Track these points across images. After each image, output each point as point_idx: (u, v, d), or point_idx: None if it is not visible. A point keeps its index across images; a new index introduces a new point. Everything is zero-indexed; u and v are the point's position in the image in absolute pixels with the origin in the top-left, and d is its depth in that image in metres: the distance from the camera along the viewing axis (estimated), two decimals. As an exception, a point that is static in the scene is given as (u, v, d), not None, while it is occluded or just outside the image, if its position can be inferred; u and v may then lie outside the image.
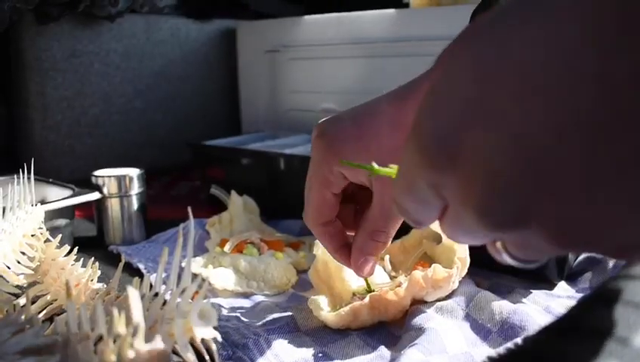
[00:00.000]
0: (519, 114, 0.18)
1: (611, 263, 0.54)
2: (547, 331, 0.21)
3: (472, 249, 0.49)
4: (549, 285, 0.53)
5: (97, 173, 0.68)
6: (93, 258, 0.48)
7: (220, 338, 0.44)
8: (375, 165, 0.33)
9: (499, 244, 0.23)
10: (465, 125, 0.20)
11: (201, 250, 0.65)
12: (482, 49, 0.19)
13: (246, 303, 0.52)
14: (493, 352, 0.42)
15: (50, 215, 0.61)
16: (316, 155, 0.40)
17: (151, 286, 0.38)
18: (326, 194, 0.41)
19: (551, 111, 0.17)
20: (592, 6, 0.17)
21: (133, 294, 0.30)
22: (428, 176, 0.22)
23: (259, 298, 0.53)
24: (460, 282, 0.49)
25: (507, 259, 0.23)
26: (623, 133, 0.16)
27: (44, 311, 0.45)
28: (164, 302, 0.33)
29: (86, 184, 0.68)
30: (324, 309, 0.47)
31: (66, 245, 0.49)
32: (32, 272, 0.47)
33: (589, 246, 0.19)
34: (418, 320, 0.44)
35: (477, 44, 0.20)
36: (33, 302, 0.44)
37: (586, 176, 0.17)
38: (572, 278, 0.55)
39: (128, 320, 0.31)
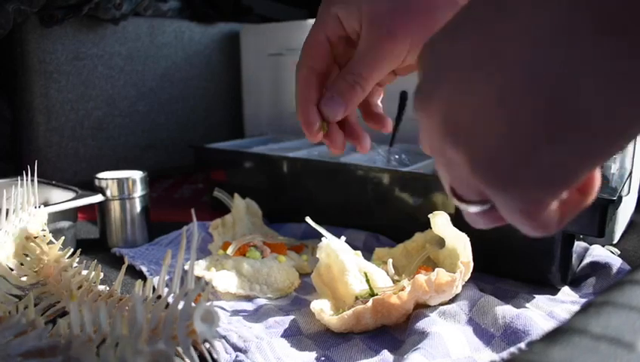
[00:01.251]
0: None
1: (615, 269, 0.54)
2: (551, 336, 0.21)
3: (475, 253, 0.49)
4: (553, 290, 0.53)
5: (100, 175, 0.68)
6: (95, 260, 0.48)
7: (222, 341, 0.44)
8: None
9: (448, 189, 0.27)
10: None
11: (203, 252, 0.65)
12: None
13: (248, 306, 0.52)
14: (496, 357, 0.42)
15: (53, 217, 0.61)
16: (322, 3, 0.44)
17: (154, 288, 0.38)
18: (319, 34, 0.44)
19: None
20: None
21: (136, 297, 0.30)
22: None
23: (261, 301, 0.53)
24: (463, 286, 0.49)
25: (451, 198, 0.27)
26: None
27: (47, 313, 0.45)
28: (167, 305, 0.33)
29: (89, 186, 0.68)
30: (326, 313, 0.47)
31: (69, 247, 0.49)
32: (35, 274, 0.47)
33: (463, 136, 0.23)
34: (421, 324, 0.44)
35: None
36: (36, 304, 0.44)
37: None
38: (575, 283, 0.54)
39: (131, 323, 0.31)
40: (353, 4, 0.42)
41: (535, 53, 0.20)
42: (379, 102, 0.48)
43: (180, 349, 0.31)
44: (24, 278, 0.46)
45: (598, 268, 0.55)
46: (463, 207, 0.27)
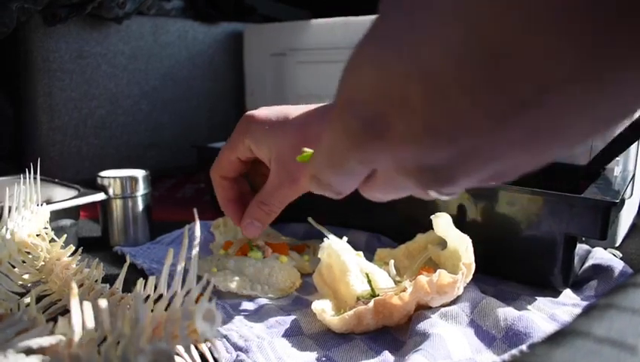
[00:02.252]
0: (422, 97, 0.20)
1: (617, 271, 0.54)
2: (554, 338, 0.21)
3: (477, 254, 0.49)
4: (554, 292, 0.53)
5: (103, 173, 0.68)
6: (97, 258, 0.49)
7: (223, 341, 0.44)
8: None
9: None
10: (385, 107, 0.22)
11: (205, 252, 0.65)
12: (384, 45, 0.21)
13: (250, 306, 0.52)
14: (497, 359, 0.42)
15: (56, 215, 0.61)
16: (237, 126, 0.52)
17: (155, 287, 0.38)
18: (231, 156, 0.52)
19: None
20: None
21: (137, 295, 0.30)
22: (360, 156, 0.25)
23: (263, 301, 0.53)
24: (464, 288, 0.49)
25: (434, 195, 0.27)
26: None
27: (49, 311, 0.45)
28: (169, 304, 0.33)
29: (91, 185, 0.68)
30: (328, 313, 0.47)
31: (71, 245, 0.49)
32: (37, 272, 0.47)
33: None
34: (422, 326, 0.44)
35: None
36: (38, 302, 0.44)
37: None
38: (577, 286, 0.54)
39: (132, 321, 0.31)
40: (264, 144, 0.49)
41: None
42: None
43: (181, 348, 0.31)
44: (26, 276, 0.46)
45: (600, 271, 0.55)
46: (434, 194, 0.28)
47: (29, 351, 0.31)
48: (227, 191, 0.54)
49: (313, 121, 0.49)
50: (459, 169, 0.23)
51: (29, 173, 0.51)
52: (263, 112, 0.50)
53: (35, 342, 0.31)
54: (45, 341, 0.32)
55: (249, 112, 0.51)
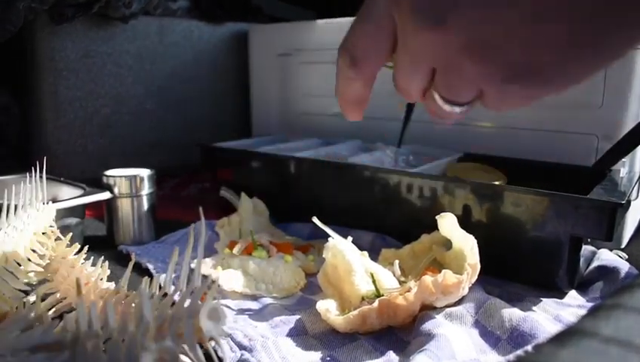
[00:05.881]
0: None
1: (623, 273, 0.54)
2: (560, 338, 0.21)
3: (482, 255, 0.49)
4: (560, 294, 0.53)
5: (108, 172, 0.68)
6: (102, 257, 0.49)
7: (228, 340, 0.44)
8: None
9: (433, 92, 0.30)
10: None
11: (210, 251, 0.65)
12: None
13: (254, 305, 0.52)
14: (502, 359, 0.42)
15: (61, 213, 0.61)
16: None
17: (160, 286, 0.38)
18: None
19: None
20: None
21: (143, 293, 0.30)
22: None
23: (267, 300, 0.53)
24: (469, 288, 0.49)
25: (442, 105, 0.30)
26: None
27: (54, 309, 0.45)
28: (174, 303, 0.33)
29: (97, 184, 0.68)
30: (332, 313, 0.47)
31: (76, 244, 0.49)
32: (43, 270, 0.47)
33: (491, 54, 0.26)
34: (427, 326, 0.44)
35: None
36: (43, 300, 0.44)
37: None
38: (583, 287, 0.54)
39: (138, 319, 0.31)
40: None
41: None
42: None
43: (186, 347, 0.31)
44: (31, 274, 0.47)
45: (605, 273, 0.55)
46: (449, 108, 0.30)
47: (34, 348, 0.31)
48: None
49: None
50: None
51: (35, 171, 0.51)
52: None
53: (41, 340, 0.32)
54: (50, 339, 0.32)
55: None
